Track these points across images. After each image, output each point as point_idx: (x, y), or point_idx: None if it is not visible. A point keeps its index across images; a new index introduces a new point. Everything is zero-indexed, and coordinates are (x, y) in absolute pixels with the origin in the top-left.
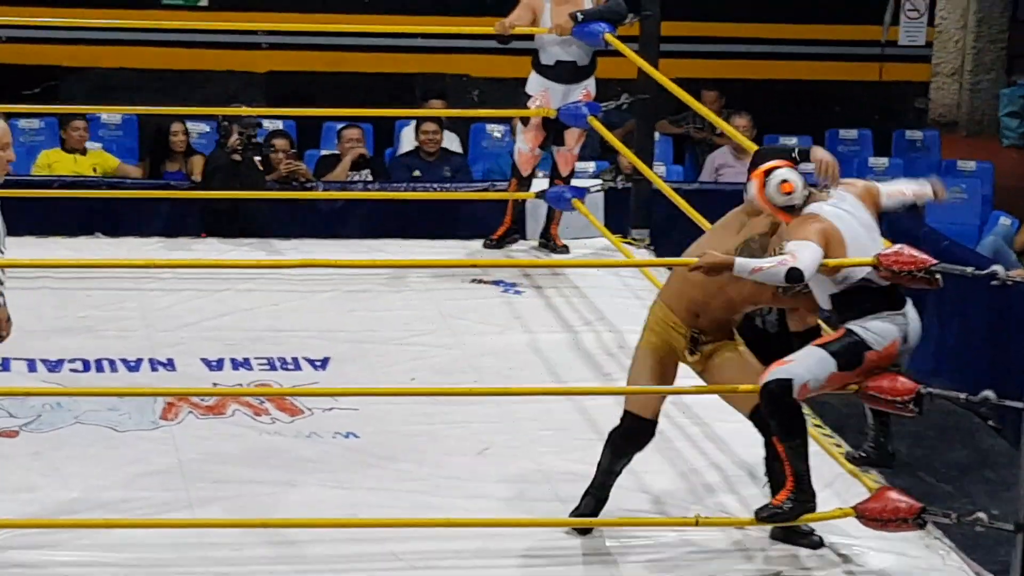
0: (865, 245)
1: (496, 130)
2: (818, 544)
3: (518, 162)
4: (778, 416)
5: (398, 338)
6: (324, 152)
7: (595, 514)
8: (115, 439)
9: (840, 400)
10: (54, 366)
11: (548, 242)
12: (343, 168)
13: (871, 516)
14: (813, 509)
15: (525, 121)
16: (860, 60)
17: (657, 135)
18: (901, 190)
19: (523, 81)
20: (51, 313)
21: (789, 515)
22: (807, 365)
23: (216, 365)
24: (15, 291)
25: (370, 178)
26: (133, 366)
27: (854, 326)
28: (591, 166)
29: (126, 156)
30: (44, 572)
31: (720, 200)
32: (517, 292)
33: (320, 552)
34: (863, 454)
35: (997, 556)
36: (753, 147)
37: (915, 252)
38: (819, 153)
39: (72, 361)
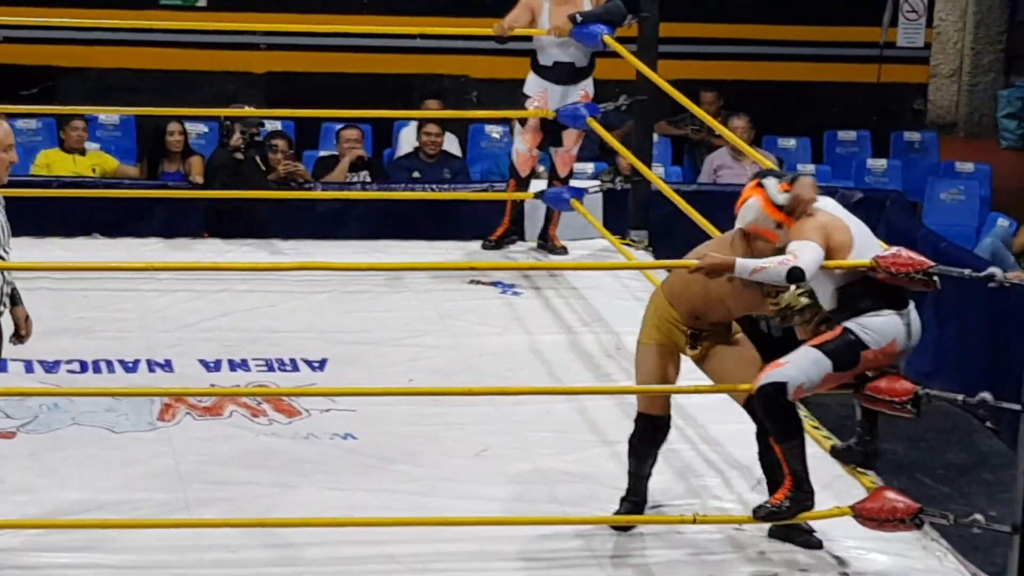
0: (868, 236)
1: (495, 131)
2: (817, 545)
3: (516, 163)
4: (774, 419)
5: (396, 339)
6: (323, 153)
7: (638, 510)
8: (112, 440)
9: (838, 400)
10: (51, 367)
11: (546, 243)
12: (342, 169)
13: (868, 516)
14: (811, 508)
15: (523, 122)
16: (858, 61)
17: (656, 136)
18: None
19: (522, 82)
20: (49, 314)
21: (786, 514)
22: (801, 366)
23: (214, 366)
24: None
25: (369, 179)
26: (131, 367)
27: (852, 324)
28: (590, 167)
29: (124, 156)
30: (41, 573)
31: (719, 201)
32: (515, 293)
33: (317, 554)
34: (847, 448)
35: (994, 558)
36: (750, 149)
37: (913, 254)
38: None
39: (69, 362)
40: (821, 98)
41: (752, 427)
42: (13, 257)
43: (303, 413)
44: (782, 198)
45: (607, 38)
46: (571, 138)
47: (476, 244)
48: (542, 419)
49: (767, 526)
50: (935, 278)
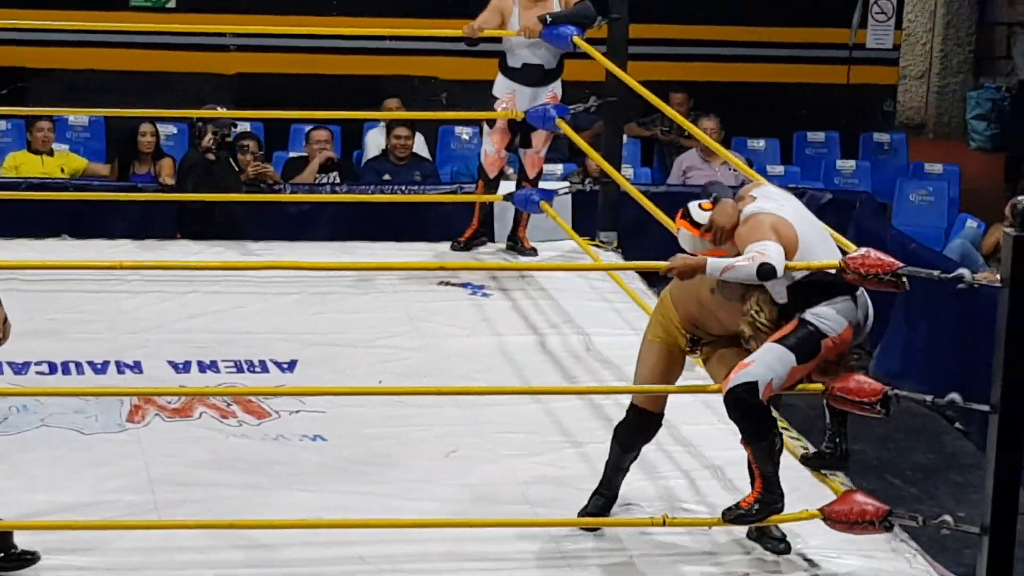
0: (809, 231)
1: (464, 132)
2: (785, 551)
3: (485, 164)
4: (745, 419)
5: (365, 340)
6: (292, 154)
7: (604, 513)
8: (81, 442)
9: (806, 402)
10: (20, 368)
11: (516, 244)
12: (311, 170)
13: (837, 518)
14: (780, 510)
15: (492, 123)
16: (828, 63)
17: (625, 137)
18: None
19: (491, 83)
20: (18, 316)
21: (756, 517)
22: (767, 363)
23: (183, 368)
24: None
25: (338, 180)
26: (100, 368)
27: (808, 315)
28: (559, 168)
29: (93, 157)
30: None
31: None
32: (485, 295)
33: (287, 555)
34: (818, 454)
35: (963, 559)
36: (721, 149)
37: (881, 255)
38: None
39: (39, 364)
40: (790, 99)
41: (725, 428)
42: None
43: (272, 414)
44: (704, 216)
45: (577, 39)
46: (540, 139)
47: (445, 245)
48: (511, 421)
49: (737, 528)
50: (904, 279)
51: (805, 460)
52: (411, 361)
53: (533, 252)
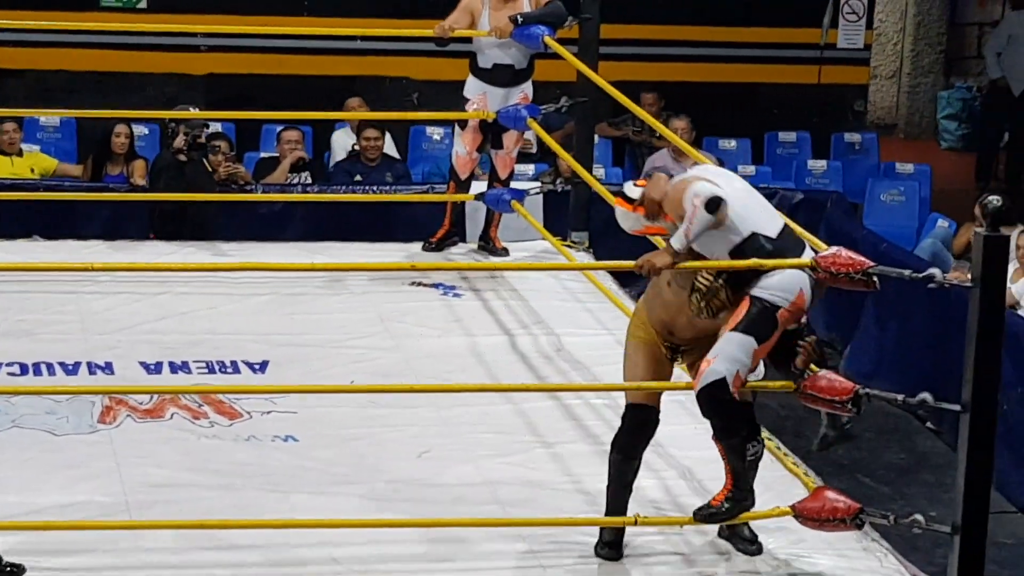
0: (742, 195)
1: (436, 132)
2: (756, 553)
3: (456, 165)
4: (717, 415)
5: (337, 341)
6: (263, 155)
7: (620, 539)
8: (53, 443)
9: (778, 402)
10: None
11: (487, 244)
12: (282, 170)
13: (808, 516)
14: (750, 507)
15: (463, 124)
16: (799, 63)
17: (596, 138)
18: None
19: (463, 84)
20: None
21: (726, 515)
22: (729, 356)
23: (154, 369)
24: None
25: (309, 180)
26: (71, 369)
27: (756, 292)
28: (530, 168)
29: (64, 158)
30: None
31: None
32: (456, 295)
33: (259, 556)
34: (823, 437)
35: (935, 558)
36: (691, 149)
37: (852, 254)
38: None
39: (9, 365)
40: (761, 99)
41: (700, 428)
42: None
43: (244, 415)
44: (636, 192)
45: (548, 39)
46: (511, 140)
47: (417, 246)
48: (483, 421)
49: (709, 528)
50: (875, 279)
51: (821, 447)
52: (383, 361)
53: (505, 252)
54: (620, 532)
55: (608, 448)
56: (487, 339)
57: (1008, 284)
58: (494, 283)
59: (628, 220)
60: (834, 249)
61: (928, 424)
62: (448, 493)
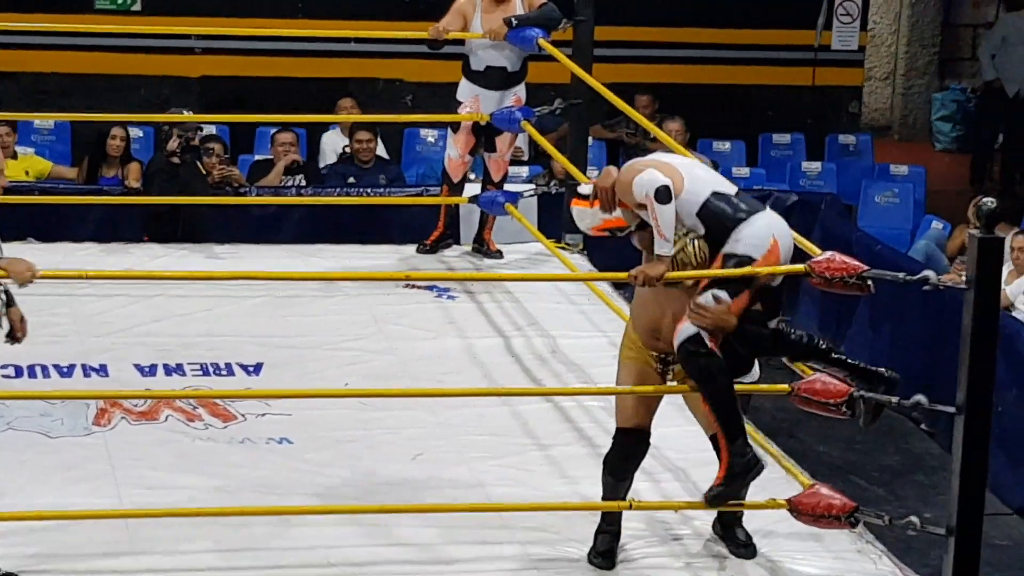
0: (691, 167)
1: (430, 134)
2: (749, 556)
3: (448, 169)
4: (701, 375)
5: (331, 343)
6: (258, 157)
7: (614, 548)
8: (48, 445)
9: (773, 404)
10: None
11: (482, 247)
12: (276, 173)
13: (804, 511)
14: (753, 465)
15: (455, 127)
16: (793, 64)
17: (590, 140)
18: None
19: (456, 86)
20: None
21: (733, 488)
22: None
23: (149, 371)
24: None
25: (303, 183)
26: (66, 372)
27: (728, 248)
28: (524, 171)
29: (59, 160)
30: None
31: None
32: (450, 297)
33: (252, 559)
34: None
35: (929, 560)
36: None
37: (846, 259)
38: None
39: (4, 367)
40: (756, 101)
41: (694, 431)
42: None
43: (238, 417)
44: (588, 188)
45: (542, 42)
46: (504, 143)
47: (411, 248)
48: (477, 423)
49: (703, 530)
50: (869, 282)
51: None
52: (377, 364)
53: (499, 254)
54: (614, 541)
55: (602, 450)
56: (482, 341)
57: (1003, 286)
58: (489, 285)
59: (585, 218)
60: (828, 254)
61: (922, 426)
62: (441, 496)
